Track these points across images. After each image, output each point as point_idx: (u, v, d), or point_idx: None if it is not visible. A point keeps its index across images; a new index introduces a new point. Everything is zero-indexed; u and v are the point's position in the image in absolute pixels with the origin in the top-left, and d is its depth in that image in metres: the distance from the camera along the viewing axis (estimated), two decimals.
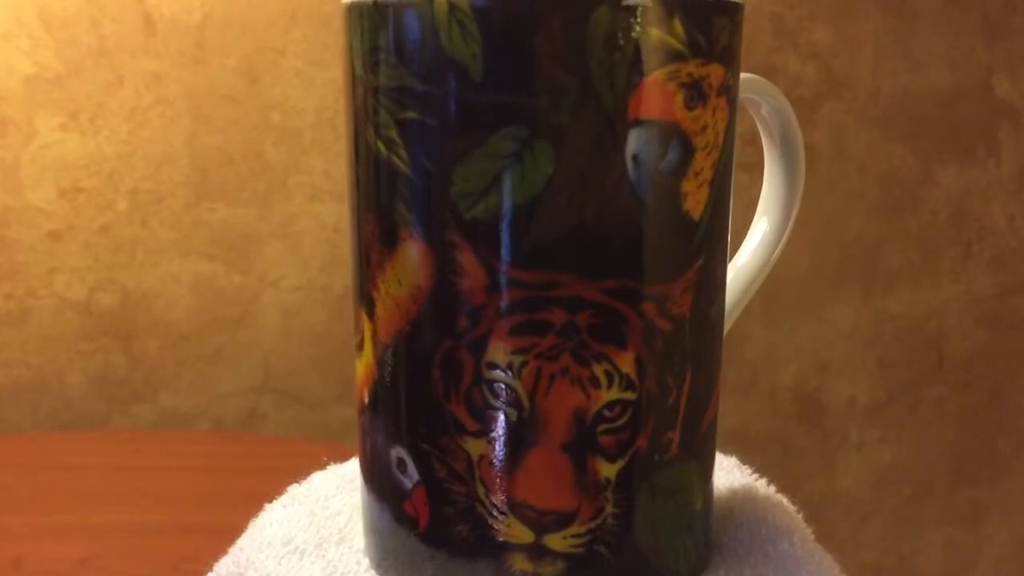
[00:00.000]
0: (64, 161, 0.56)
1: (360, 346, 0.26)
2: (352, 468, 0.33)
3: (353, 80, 0.24)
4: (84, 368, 0.59)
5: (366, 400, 0.26)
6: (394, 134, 0.23)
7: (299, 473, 0.44)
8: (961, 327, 0.72)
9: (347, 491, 0.32)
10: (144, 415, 0.60)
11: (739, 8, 0.24)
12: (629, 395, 0.24)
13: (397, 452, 0.25)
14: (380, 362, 0.25)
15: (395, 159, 0.23)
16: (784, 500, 0.32)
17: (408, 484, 0.25)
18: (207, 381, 0.60)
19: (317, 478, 0.33)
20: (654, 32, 0.22)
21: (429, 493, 0.25)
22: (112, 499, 0.44)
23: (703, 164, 0.24)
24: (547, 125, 0.22)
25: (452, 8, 0.22)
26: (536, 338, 0.23)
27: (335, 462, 0.34)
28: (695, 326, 0.25)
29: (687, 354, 0.25)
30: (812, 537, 0.30)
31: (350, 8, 0.24)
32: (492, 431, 0.24)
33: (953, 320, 0.72)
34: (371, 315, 0.25)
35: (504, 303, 0.23)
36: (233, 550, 0.30)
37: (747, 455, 0.70)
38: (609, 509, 0.25)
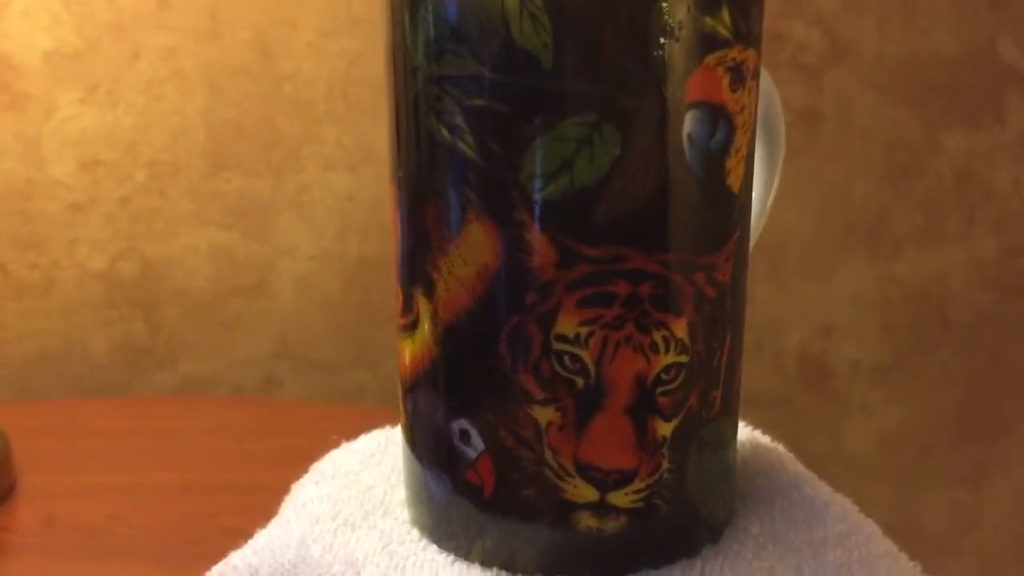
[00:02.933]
0: (84, 135, 0.58)
1: (412, 326, 0.27)
2: (368, 444, 0.35)
3: (410, 69, 0.25)
4: (107, 336, 0.60)
5: (420, 377, 0.27)
6: (460, 121, 0.24)
7: (314, 434, 0.45)
8: (966, 290, 0.73)
9: (372, 466, 0.33)
10: (165, 381, 0.61)
11: None
12: (683, 358, 0.26)
13: (460, 424, 0.26)
14: (441, 339, 0.26)
15: (461, 145, 0.24)
16: (789, 453, 0.33)
17: (472, 454, 0.26)
18: (225, 348, 0.62)
19: (337, 456, 0.34)
20: (708, 21, 0.24)
21: (495, 461, 0.26)
22: (138, 460, 0.45)
23: (741, 141, 0.26)
24: (614, 110, 0.24)
25: (523, 1, 0.23)
26: (602, 309, 0.25)
27: (345, 439, 0.35)
28: (733, 292, 0.27)
29: (727, 318, 0.27)
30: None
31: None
32: (560, 399, 0.25)
33: (958, 283, 0.72)
34: (430, 295, 0.26)
35: (573, 278, 0.25)
36: (278, 524, 0.30)
37: (753, 418, 0.72)
38: (665, 465, 0.26)
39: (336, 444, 0.35)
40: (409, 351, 0.28)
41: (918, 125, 0.69)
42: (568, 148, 0.24)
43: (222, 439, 0.48)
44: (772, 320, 0.70)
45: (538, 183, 0.24)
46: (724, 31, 0.24)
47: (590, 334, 0.25)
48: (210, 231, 0.60)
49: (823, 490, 0.31)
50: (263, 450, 0.47)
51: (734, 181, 0.26)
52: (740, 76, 0.25)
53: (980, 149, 0.71)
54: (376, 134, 0.60)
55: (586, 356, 0.25)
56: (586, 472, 0.26)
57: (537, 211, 0.24)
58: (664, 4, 0.23)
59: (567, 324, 0.25)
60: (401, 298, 0.28)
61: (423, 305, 0.27)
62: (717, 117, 0.25)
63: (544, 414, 0.25)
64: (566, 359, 0.25)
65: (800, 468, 0.32)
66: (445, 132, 0.25)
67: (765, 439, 0.34)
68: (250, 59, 0.58)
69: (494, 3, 0.23)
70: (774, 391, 0.71)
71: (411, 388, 0.28)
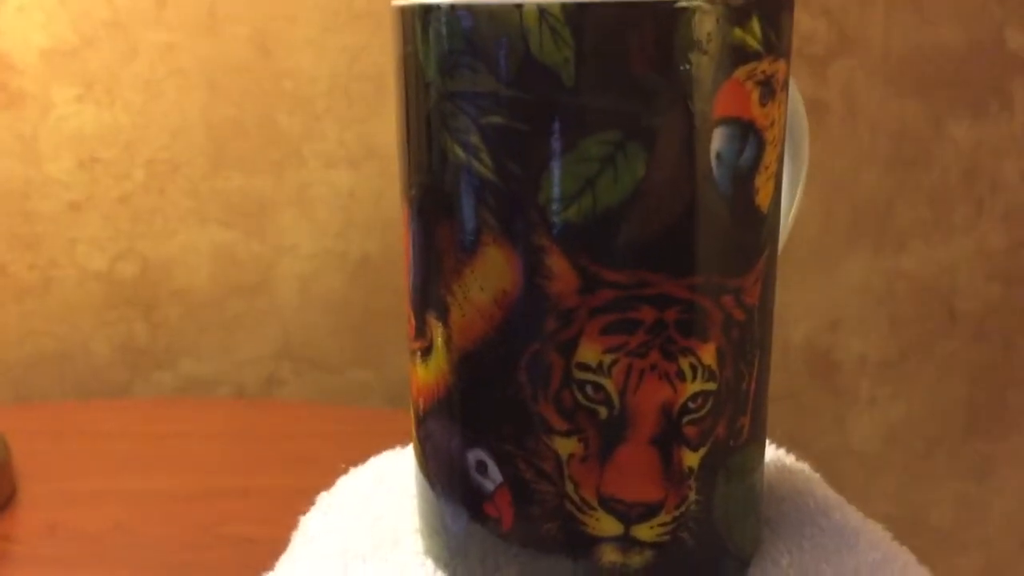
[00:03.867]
0: (81, 132, 0.57)
1: (426, 352, 0.26)
2: (375, 470, 0.34)
3: (422, 85, 0.24)
4: (107, 337, 0.60)
5: (435, 405, 0.26)
6: (475, 139, 0.23)
7: (318, 437, 0.45)
8: (973, 282, 0.72)
9: (381, 493, 0.32)
10: (166, 382, 0.61)
11: (793, 4, 0.25)
12: (711, 386, 0.25)
13: (476, 455, 0.25)
14: (456, 367, 0.25)
15: (476, 164, 0.23)
16: (816, 474, 0.33)
17: (490, 486, 0.25)
18: (227, 348, 0.61)
19: (344, 484, 0.33)
20: (737, 32, 0.23)
21: (514, 494, 0.25)
22: (141, 465, 0.45)
23: (771, 158, 0.25)
24: (639, 128, 0.22)
25: (543, 14, 0.22)
26: (626, 336, 0.24)
27: (353, 465, 0.34)
28: (762, 314, 0.26)
29: (756, 342, 0.26)
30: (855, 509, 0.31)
31: (413, 11, 0.24)
32: (582, 430, 0.24)
33: (965, 276, 0.72)
34: (444, 320, 0.25)
35: (595, 304, 0.23)
36: (285, 562, 0.30)
37: None
38: (692, 496, 0.25)
39: (344, 471, 0.34)
40: (423, 377, 0.27)
41: (924, 116, 0.69)
42: (591, 168, 0.23)
43: (225, 443, 0.48)
44: (778, 314, 0.69)
45: (559, 205, 0.23)
46: (754, 43, 0.23)
47: (614, 362, 0.24)
48: (210, 230, 0.59)
49: (853, 516, 0.30)
50: (267, 454, 0.46)
51: (763, 199, 0.25)
52: (770, 89, 0.24)
53: (987, 140, 0.70)
54: (378, 130, 0.59)
55: (609, 385, 0.24)
56: (609, 505, 0.25)
57: (557, 234, 0.23)
58: (692, 15, 0.22)
59: (589, 352, 0.24)
60: (414, 322, 0.27)
61: (437, 330, 0.26)
62: (747, 133, 0.24)
63: (565, 446, 0.24)
64: (588, 388, 0.24)
65: (829, 492, 0.31)
66: (459, 150, 0.24)
67: (790, 459, 0.33)
68: (249, 55, 0.58)
69: (512, 16, 0.22)
70: (781, 385, 0.71)
71: (425, 416, 0.27)
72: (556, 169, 0.23)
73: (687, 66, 0.22)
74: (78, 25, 0.56)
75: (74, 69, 0.56)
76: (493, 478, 0.25)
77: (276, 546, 0.31)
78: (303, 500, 0.34)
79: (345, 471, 0.34)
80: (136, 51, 0.57)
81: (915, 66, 0.68)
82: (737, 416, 0.26)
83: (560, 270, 0.23)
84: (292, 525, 0.32)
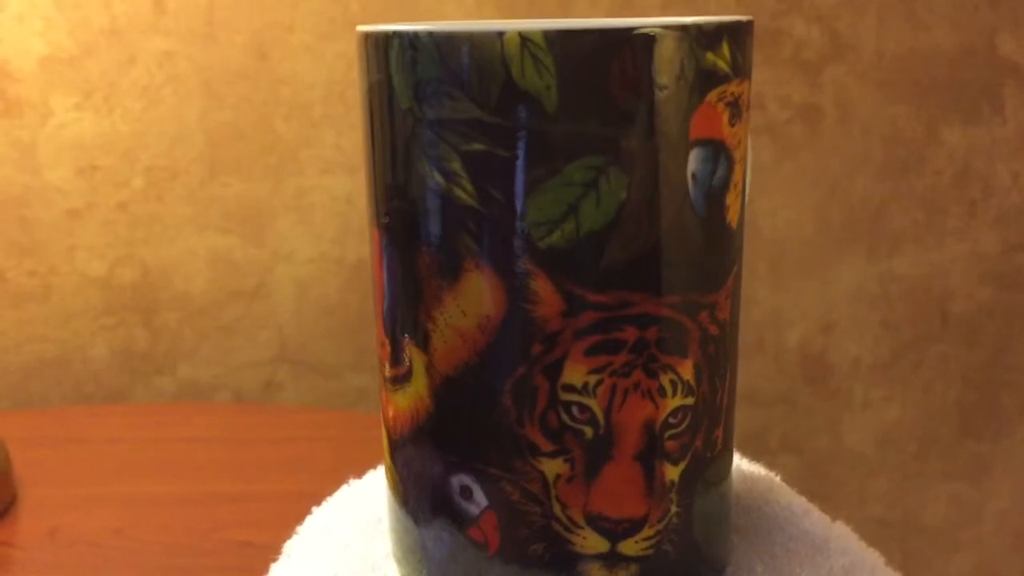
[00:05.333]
0: (80, 140, 0.57)
1: (403, 378, 0.26)
2: (347, 500, 0.33)
3: (397, 112, 0.24)
4: (106, 342, 0.60)
5: (414, 432, 0.26)
6: (457, 166, 0.23)
7: (315, 441, 0.45)
8: (966, 286, 0.73)
9: (345, 521, 0.32)
10: (165, 387, 0.61)
11: (753, 27, 0.26)
12: (689, 400, 0.25)
13: (460, 480, 0.25)
14: (437, 393, 0.25)
15: (457, 191, 0.23)
16: (777, 479, 0.33)
17: (475, 510, 0.25)
18: (225, 352, 0.62)
19: (304, 528, 0.33)
20: (709, 56, 0.23)
21: (500, 517, 0.25)
22: (140, 471, 0.45)
23: (739, 176, 0.26)
24: (620, 152, 0.23)
25: (524, 41, 0.22)
26: (610, 357, 0.24)
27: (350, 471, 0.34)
28: (732, 328, 0.27)
29: (727, 355, 0.26)
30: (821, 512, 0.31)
31: (386, 38, 0.24)
32: (569, 450, 0.24)
33: (958, 279, 0.72)
34: (424, 347, 0.25)
35: (580, 326, 0.24)
36: None
37: (754, 415, 0.72)
38: (673, 509, 0.26)
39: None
40: (400, 404, 0.27)
41: (917, 121, 0.69)
42: (574, 193, 0.23)
43: (224, 448, 0.48)
44: (773, 317, 0.70)
45: (542, 230, 0.23)
46: (724, 66, 0.24)
47: (599, 382, 0.24)
48: (208, 236, 0.60)
49: (820, 521, 0.30)
50: (265, 459, 0.46)
51: (732, 216, 0.26)
52: (738, 110, 0.25)
53: (979, 144, 0.70)
54: None
55: (595, 405, 0.24)
56: (596, 523, 0.25)
57: (542, 259, 0.23)
58: (669, 41, 0.23)
59: (575, 373, 0.24)
60: (389, 349, 0.26)
61: (416, 357, 0.25)
62: (719, 153, 0.24)
63: (552, 467, 0.25)
64: (574, 409, 0.24)
65: (794, 498, 0.31)
66: (440, 177, 0.24)
67: (754, 467, 0.34)
68: (247, 63, 0.58)
69: (493, 44, 0.22)
70: (775, 388, 0.71)
71: (402, 443, 0.27)
72: (539, 195, 0.23)
73: (665, 90, 0.23)
74: (77, 33, 0.56)
75: (73, 77, 0.57)
76: (478, 502, 0.25)
77: (274, 550, 0.31)
78: (301, 504, 0.35)
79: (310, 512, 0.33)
80: (134, 59, 0.57)
81: (908, 71, 0.68)
82: (713, 428, 0.26)
83: (545, 294, 0.24)
84: (290, 529, 0.32)
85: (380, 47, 0.24)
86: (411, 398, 0.26)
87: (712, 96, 0.24)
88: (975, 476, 0.76)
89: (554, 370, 0.24)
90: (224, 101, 0.58)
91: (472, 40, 0.22)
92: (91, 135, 0.58)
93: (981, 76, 0.69)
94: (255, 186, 0.60)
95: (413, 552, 0.27)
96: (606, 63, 0.22)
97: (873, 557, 0.29)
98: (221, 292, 0.61)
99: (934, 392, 0.74)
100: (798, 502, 0.31)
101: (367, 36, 0.25)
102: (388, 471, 0.28)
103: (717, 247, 0.25)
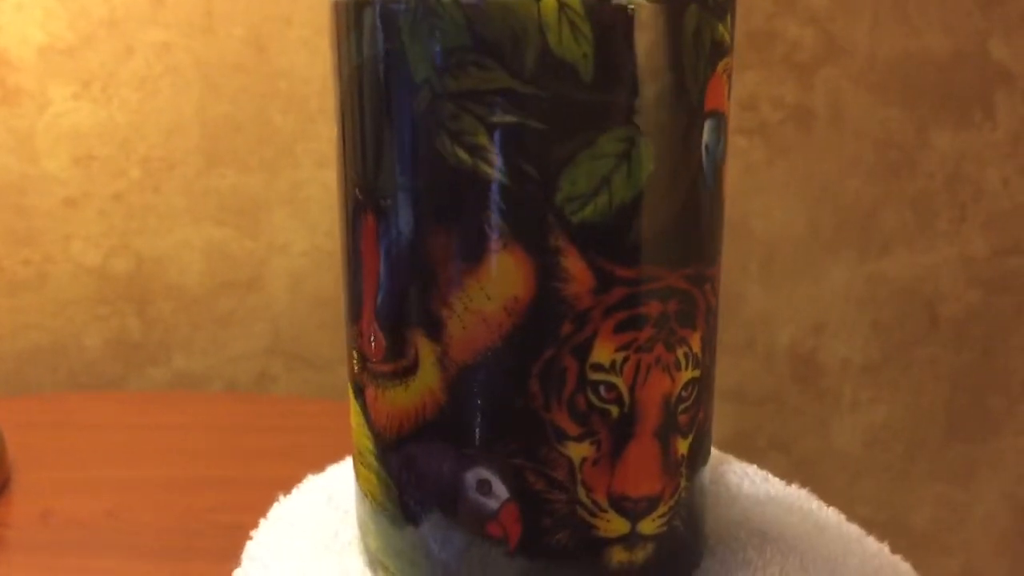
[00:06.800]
0: (77, 130, 0.58)
1: (405, 372, 0.25)
2: (309, 511, 0.32)
3: (407, 86, 0.23)
4: (100, 331, 0.60)
5: (420, 429, 0.25)
6: (484, 140, 0.22)
7: (307, 430, 0.45)
8: (955, 288, 0.73)
9: (297, 542, 0.31)
10: (159, 377, 0.62)
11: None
12: (696, 373, 0.25)
13: (477, 474, 0.24)
14: (453, 384, 0.24)
15: (484, 166, 0.22)
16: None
17: (494, 504, 0.25)
18: (219, 344, 0.62)
19: (280, 524, 0.32)
20: (720, 28, 0.24)
21: (523, 508, 0.24)
22: (132, 456, 0.46)
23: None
24: (650, 122, 0.22)
25: (562, 7, 0.21)
26: (636, 332, 0.24)
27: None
28: (719, 299, 0.27)
29: (716, 327, 0.27)
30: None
31: (397, 6, 0.23)
32: (595, 432, 0.24)
33: (947, 282, 0.73)
34: (436, 336, 0.24)
35: (610, 303, 0.23)
36: None
37: (744, 414, 0.72)
38: (683, 484, 0.26)
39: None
40: (398, 402, 0.25)
41: (909, 124, 0.70)
42: (607, 165, 0.22)
43: (217, 435, 0.48)
44: (763, 318, 0.70)
45: (575, 204, 0.22)
46: (728, 38, 0.24)
47: (625, 359, 0.23)
48: (204, 227, 0.60)
49: (766, 479, 0.31)
50: (258, 445, 0.47)
51: (725, 188, 0.26)
52: (730, 83, 0.25)
53: (970, 148, 0.71)
54: None
55: (621, 383, 0.24)
56: (619, 504, 0.24)
57: (574, 234, 0.22)
58: (693, 10, 0.22)
59: (603, 352, 0.23)
60: (383, 343, 0.25)
61: (425, 348, 0.24)
62: (721, 124, 0.24)
63: (579, 451, 0.24)
64: (601, 389, 0.24)
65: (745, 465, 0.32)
66: (463, 154, 0.22)
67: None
68: (245, 55, 0.58)
69: (530, 10, 0.21)
70: (765, 388, 0.71)
71: (400, 444, 0.26)
72: (573, 168, 0.22)
73: (690, 60, 0.23)
74: (76, 23, 0.56)
75: (71, 67, 0.57)
76: (498, 495, 0.24)
77: None
78: (292, 489, 0.35)
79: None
80: (132, 50, 0.57)
81: (900, 75, 0.69)
82: (709, 400, 0.27)
83: (576, 271, 0.23)
84: None
85: (389, 17, 0.23)
86: (416, 393, 0.25)
87: (720, 67, 0.24)
88: (963, 478, 0.76)
89: (583, 349, 0.23)
90: (221, 93, 0.59)
91: (506, 6, 0.21)
92: (88, 125, 0.58)
93: (973, 81, 0.70)
94: (251, 178, 0.60)
95: (412, 559, 0.26)
96: (640, 31, 0.22)
97: (831, 513, 0.30)
98: (216, 283, 0.61)
99: (922, 394, 0.74)
100: (750, 468, 0.32)
101: (363, 6, 0.23)
102: (372, 474, 0.27)
103: (718, 218, 0.25)
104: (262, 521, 0.32)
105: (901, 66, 0.69)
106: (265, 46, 0.58)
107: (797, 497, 0.31)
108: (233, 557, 0.31)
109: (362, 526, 0.28)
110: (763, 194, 0.67)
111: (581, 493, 0.24)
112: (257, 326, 0.62)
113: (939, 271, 0.73)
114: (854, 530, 0.29)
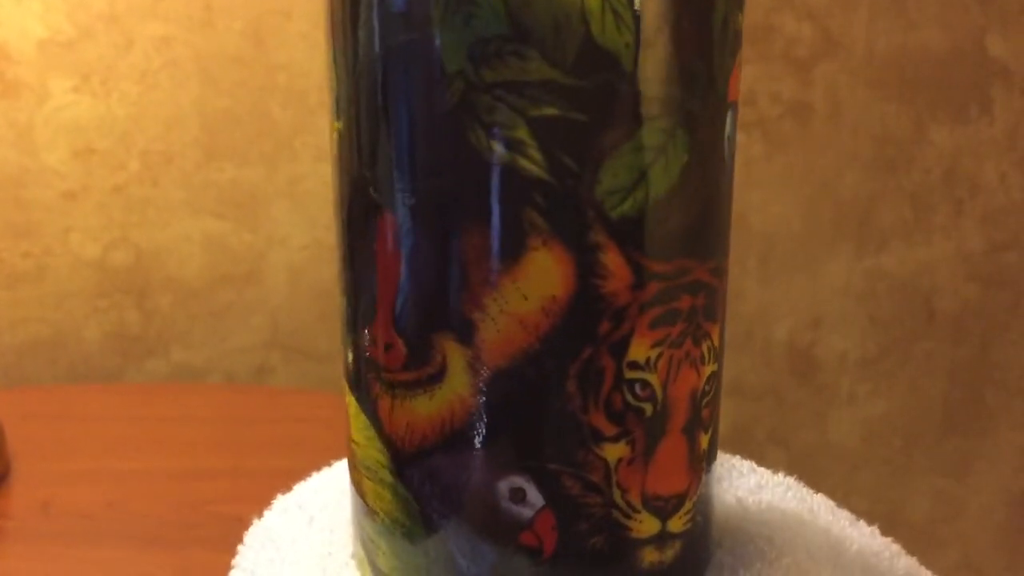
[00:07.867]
0: (77, 123, 0.58)
1: (431, 380, 0.24)
2: (293, 533, 0.31)
3: (437, 77, 0.22)
4: (99, 324, 0.61)
5: (447, 439, 0.24)
6: (523, 134, 0.21)
7: (305, 422, 0.46)
8: (952, 283, 0.73)
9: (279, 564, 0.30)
10: (158, 369, 0.62)
11: None
12: (715, 367, 0.25)
13: (511, 483, 0.24)
14: (486, 389, 0.23)
15: (522, 161, 0.22)
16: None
17: (529, 512, 0.24)
18: (218, 336, 0.62)
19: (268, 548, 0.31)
20: (740, 18, 0.24)
21: (559, 514, 0.24)
22: (132, 447, 0.46)
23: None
24: (685, 113, 0.22)
25: None
26: (669, 328, 0.23)
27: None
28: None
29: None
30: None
31: None
32: (630, 432, 0.23)
33: (944, 276, 0.73)
34: (468, 340, 0.23)
35: (645, 299, 0.23)
36: None
37: (742, 408, 0.73)
38: (704, 479, 0.25)
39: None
40: (420, 411, 0.24)
41: (907, 119, 0.70)
42: (646, 157, 0.22)
43: (215, 426, 0.48)
44: (761, 312, 0.71)
45: (616, 198, 0.22)
46: (741, 30, 0.24)
47: (659, 356, 0.23)
48: (203, 220, 0.60)
49: (755, 469, 0.31)
50: (256, 437, 0.47)
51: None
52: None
53: (968, 143, 0.71)
54: None
55: (655, 380, 0.23)
56: (651, 504, 0.24)
57: (613, 230, 0.22)
58: (726, 3, 0.22)
59: (640, 349, 0.23)
60: (405, 350, 0.24)
61: (454, 353, 0.23)
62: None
63: (615, 451, 0.23)
64: (637, 387, 0.23)
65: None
66: (499, 148, 0.21)
67: None
68: (244, 49, 0.59)
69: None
70: (762, 382, 0.72)
71: (422, 456, 0.24)
72: (614, 160, 0.22)
73: (719, 51, 0.23)
74: (75, 17, 0.57)
75: (71, 60, 0.57)
76: (533, 503, 0.24)
77: None
78: (291, 481, 0.35)
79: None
80: (132, 43, 0.57)
81: (898, 70, 0.69)
82: (720, 391, 0.26)
83: (615, 267, 0.22)
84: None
85: (416, 5, 0.22)
86: (442, 401, 0.24)
87: (738, 59, 0.24)
88: (960, 471, 0.76)
89: (620, 347, 0.23)
90: (220, 87, 0.59)
91: None
92: (88, 118, 0.58)
93: (970, 76, 0.70)
94: (250, 172, 0.60)
95: (424, 571, 0.25)
96: (678, 23, 0.22)
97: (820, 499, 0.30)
98: (214, 276, 0.61)
99: (919, 388, 0.74)
100: (735, 459, 0.33)
101: None
102: (386, 490, 0.26)
103: (729, 208, 0.25)
104: (241, 548, 0.31)
105: (899, 61, 0.69)
106: (264, 40, 0.59)
107: (787, 486, 0.31)
108: (230, 547, 0.31)
109: (368, 545, 0.27)
110: (761, 189, 0.67)
111: (616, 495, 0.24)
112: (256, 319, 0.62)
113: (936, 266, 0.73)
114: (845, 515, 0.30)
